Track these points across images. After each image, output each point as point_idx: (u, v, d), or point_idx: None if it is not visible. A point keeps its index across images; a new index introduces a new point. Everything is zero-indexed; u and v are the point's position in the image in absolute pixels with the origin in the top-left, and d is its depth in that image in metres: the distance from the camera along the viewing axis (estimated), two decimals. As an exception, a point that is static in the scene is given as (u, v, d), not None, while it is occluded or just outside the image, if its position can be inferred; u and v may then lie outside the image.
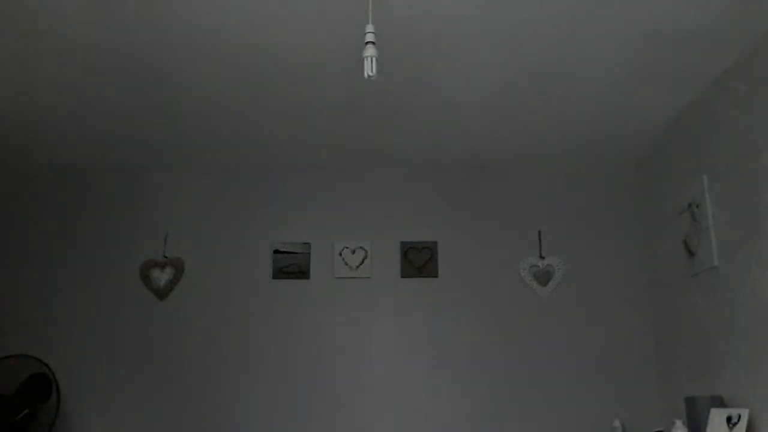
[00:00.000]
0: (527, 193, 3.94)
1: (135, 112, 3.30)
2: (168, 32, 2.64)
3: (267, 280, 3.80)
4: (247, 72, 2.95)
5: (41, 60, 2.83)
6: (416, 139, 3.64)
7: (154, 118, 3.37)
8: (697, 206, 3.14)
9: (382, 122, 3.43)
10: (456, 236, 3.86)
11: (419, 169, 3.97)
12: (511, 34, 2.67)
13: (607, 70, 2.95)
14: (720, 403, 2.83)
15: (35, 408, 3.24)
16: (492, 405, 3.60)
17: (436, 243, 3.84)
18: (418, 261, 3.82)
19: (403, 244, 3.84)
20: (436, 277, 3.79)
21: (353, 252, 3.82)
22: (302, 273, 3.80)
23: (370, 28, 1.93)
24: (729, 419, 2.64)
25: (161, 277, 3.79)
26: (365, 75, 1.90)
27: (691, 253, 3.21)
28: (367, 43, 1.91)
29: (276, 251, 3.83)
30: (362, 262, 3.81)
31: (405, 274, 3.80)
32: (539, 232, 3.87)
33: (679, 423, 2.93)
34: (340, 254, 3.82)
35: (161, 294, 3.77)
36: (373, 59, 1.90)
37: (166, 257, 3.83)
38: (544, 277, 3.78)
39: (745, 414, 2.59)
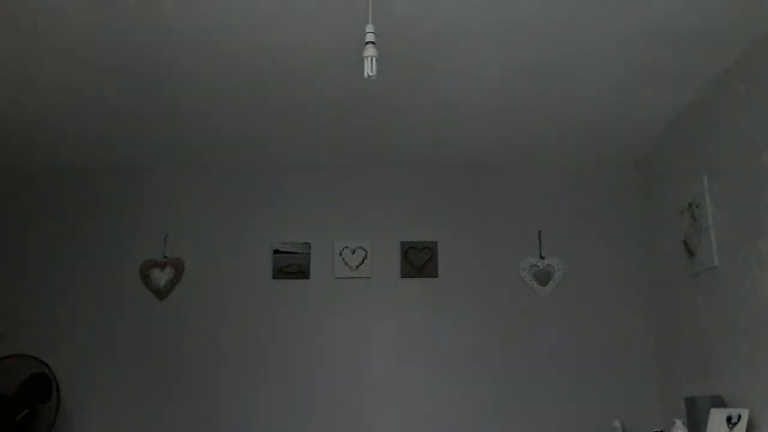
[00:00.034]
0: (527, 193, 3.94)
1: (135, 112, 3.31)
2: (168, 32, 2.64)
3: (267, 280, 3.80)
4: (247, 72, 2.95)
5: (41, 60, 2.83)
6: (416, 139, 3.64)
7: (154, 118, 3.38)
8: (697, 206, 3.14)
9: (382, 122, 3.43)
10: (456, 236, 3.86)
11: (419, 169, 3.97)
12: (511, 34, 2.67)
13: (607, 70, 2.95)
14: (720, 403, 2.83)
15: (35, 408, 3.24)
16: (492, 405, 3.60)
17: (436, 243, 3.84)
18: (418, 261, 3.82)
19: (403, 244, 3.84)
20: (436, 277, 3.79)
21: (353, 252, 3.82)
22: (302, 273, 3.80)
23: (370, 28, 1.93)
24: (729, 419, 2.64)
25: (161, 277, 3.79)
26: (365, 75, 1.90)
27: (691, 253, 3.21)
28: (367, 43, 1.91)
29: (276, 251, 3.83)
30: (362, 262, 3.81)
31: (405, 274, 3.80)
32: (539, 232, 3.87)
33: (679, 423, 2.93)
34: (340, 254, 3.82)
35: (161, 294, 3.77)
36: (373, 59, 1.90)
37: (166, 257, 3.83)
38: (544, 277, 3.79)
39: (745, 414, 2.59)
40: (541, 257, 3.82)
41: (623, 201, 3.92)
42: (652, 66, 2.92)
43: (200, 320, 3.73)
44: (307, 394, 3.62)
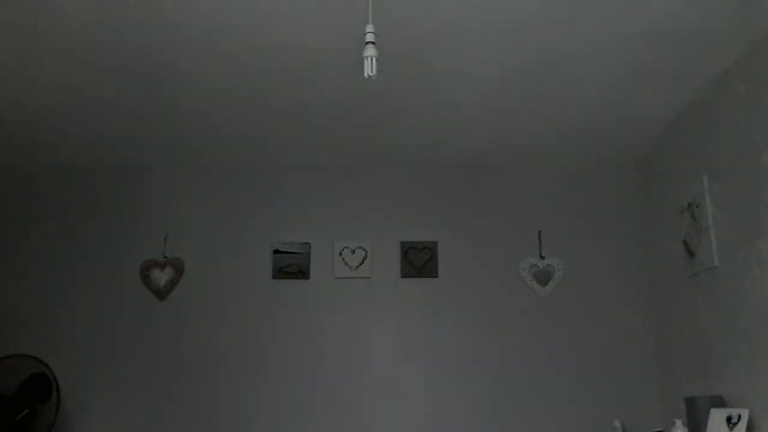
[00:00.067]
0: (527, 193, 3.94)
1: (135, 112, 3.31)
2: (168, 32, 2.64)
3: (267, 280, 3.80)
4: (247, 72, 2.95)
5: (41, 60, 2.83)
6: (416, 139, 3.64)
7: (154, 118, 3.38)
8: (697, 206, 3.14)
9: (382, 122, 3.43)
10: (456, 236, 3.86)
11: (419, 169, 3.97)
12: (511, 34, 2.67)
13: (607, 70, 2.95)
14: (720, 403, 2.83)
15: (35, 408, 3.24)
16: (492, 405, 3.60)
17: (436, 243, 3.84)
18: (418, 261, 3.82)
19: (403, 244, 3.84)
20: (436, 277, 3.79)
21: (353, 252, 3.82)
22: (302, 273, 3.80)
23: (370, 28, 1.93)
24: (729, 419, 2.64)
25: (161, 277, 3.79)
26: (365, 75, 1.90)
27: (691, 253, 3.21)
28: (367, 43, 1.91)
29: (276, 251, 3.83)
30: (362, 262, 3.81)
31: (405, 274, 3.80)
32: (539, 232, 3.87)
33: (679, 423, 2.93)
34: (340, 254, 3.82)
35: (161, 294, 3.77)
36: (373, 59, 1.90)
37: (166, 257, 3.83)
38: (544, 277, 3.79)
39: (745, 414, 2.59)
40: (541, 257, 3.82)
41: (623, 201, 3.92)
42: (652, 66, 2.92)
43: (200, 320, 3.73)
44: (307, 394, 3.62)
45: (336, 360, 3.67)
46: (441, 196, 3.93)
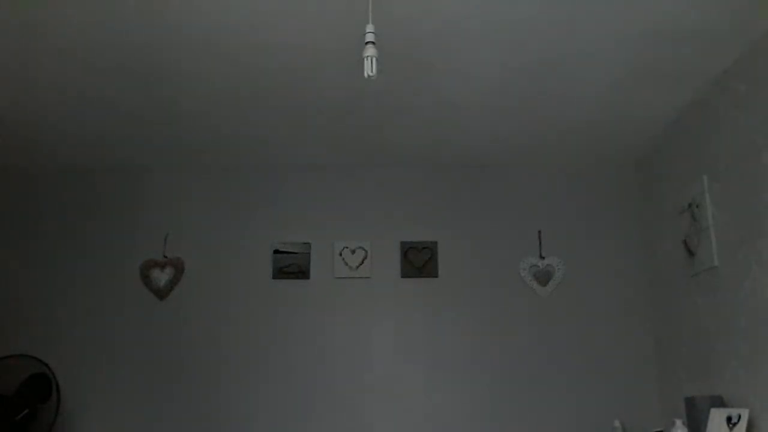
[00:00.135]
0: (527, 193, 3.94)
1: (135, 112, 3.30)
2: (168, 32, 2.64)
3: (267, 280, 3.80)
4: (247, 72, 2.95)
5: (41, 60, 2.83)
6: (416, 139, 3.64)
7: (154, 118, 3.37)
8: (697, 206, 3.14)
9: (382, 122, 3.43)
10: (456, 236, 3.86)
11: (419, 169, 3.97)
12: (511, 34, 2.67)
13: (607, 70, 2.95)
14: (720, 403, 2.83)
15: (35, 408, 3.24)
16: (492, 405, 3.60)
17: (436, 243, 3.84)
18: (418, 261, 3.82)
19: (403, 244, 3.84)
20: (436, 277, 3.79)
21: (353, 252, 3.82)
22: (302, 273, 3.80)
23: (370, 28, 1.93)
24: (729, 419, 2.64)
25: (161, 277, 3.79)
26: (365, 75, 1.90)
27: (691, 253, 3.21)
28: (367, 43, 1.91)
29: (276, 251, 3.83)
30: (362, 262, 3.81)
31: (405, 274, 3.80)
32: (539, 232, 3.87)
33: (679, 423, 2.93)
34: (340, 254, 3.82)
35: (161, 294, 3.77)
36: (373, 59, 1.90)
37: (166, 257, 3.83)
38: (544, 277, 3.78)
39: (745, 414, 2.59)
40: (541, 257, 3.82)
41: (623, 201, 3.92)
42: (652, 66, 2.92)
43: (200, 320, 3.73)
44: (307, 394, 3.62)
45: (336, 360, 3.67)
46: (441, 196, 3.93)
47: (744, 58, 2.78)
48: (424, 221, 3.88)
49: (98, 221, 3.89)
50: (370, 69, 1.89)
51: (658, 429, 3.34)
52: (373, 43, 1.91)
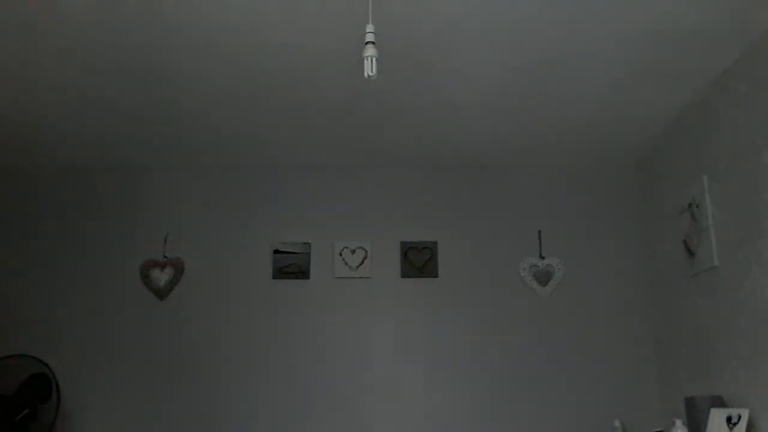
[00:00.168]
0: (527, 193, 3.94)
1: (135, 112, 3.31)
2: (168, 32, 2.64)
3: (267, 280, 3.80)
4: (247, 72, 2.95)
5: (41, 60, 2.83)
6: (416, 139, 3.64)
7: (154, 118, 3.37)
8: (697, 206, 3.14)
9: (382, 122, 3.43)
10: (456, 236, 3.86)
11: (419, 169, 3.97)
12: (511, 34, 2.67)
13: (607, 70, 2.95)
14: (720, 403, 2.83)
15: (35, 408, 3.24)
16: (492, 405, 3.60)
17: (436, 243, 3.84)
18: (418, 261, 3.82)
19: (403, 244, 3.84)
20: (436, 277, 3.79)
21: (353, 252, 3.82)
22: (302, 273, 3.80)
23: (370, 28, 1.93)
24: (729, 419, 2.64)
25: (161, 277, 3.79)
26: (365, 75, 1.90)
27: (691, 253, 3.21)
28: (367, 43, 1.91)
29: (276, 251, 3.83)
30: (362, 262, 3.81)
31: (405, 274, 3.80)
32: (539, 232, 3.87)
33: (679, 423, 2.93)
34: (340, 254, 3.82)
35: (161, 294, 3.77)
36: (373, 59, 1.90)
37: (166, 257, 3.83)
38: (544, 277, 3.78)
39: (745, 414, 2.59)
40: (541, 257, 3.82)
41: (623, 201, 3.92)
42: (652, 66, 2.92)
43: (200, 320, 3.73)
44: (307, 394, 3.62)
45: (336, 360, 3.67)
46: (441, 196, 3.93)
47: (744, 58, 2.78)
48: (424, 221, 3.88)
49: (98, 221, 3.89)
50: (370, 69, 1.89)
51: (658, 429, 3.34)
52: (373, 43, 1.91)
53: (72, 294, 3.77)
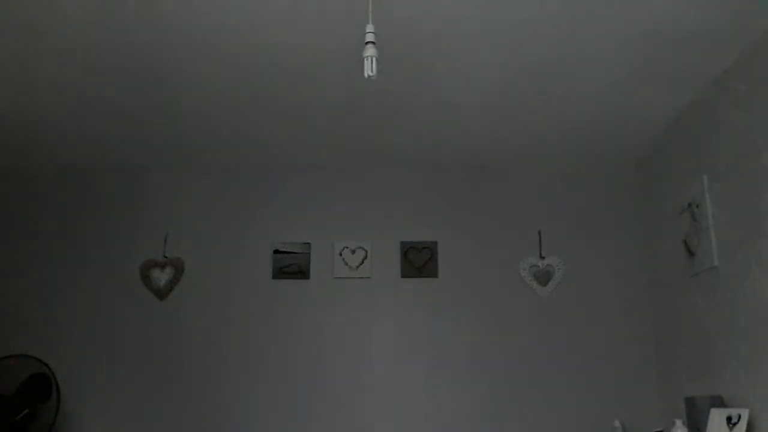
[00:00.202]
0: (527, 193, 3.94)
1: (135, 112, 3.31)
2: (168, 32, 2.64)
3: (267, 280, 3.80)
4: (247, 72, 2.95)
5: (41, 60, 2.83)
6: (416, 139, 3.64)
7: (154, 118, 3.38)
8: (697, 206, 3.14)
9: (382, 122, 3.43)
10: (456, 236, 3.86)
11: (419, 169, 3.97)
12: (511, 34, 2.67)
13: (607, 70, 2.95)
14: (720, 403, 2.83)
15: (35, 408, 3.24)
16: (492, 405, 3.60)
17: (436, 243, 3.84)
18: (418, 261, 3.82)
19: (403, 244, 3.84)
20: (436, 277, 3.79)
21: (353, 252, 3.82)
22: (302, 273, 3.80)
23: (370, 28, 1.93)
24: (729, 419, 2.64)
25: (161, 277, 3.79)
26: (365, 75, 1.90)
27: (691, 253, 3.21)
28: (367, 43, 1.91)
29: (276, 251, 3.83)
30: (362, 262, 3.81)
31: (405, 274, 3.80)
32: (539, 232, 3.87)
33: (679, 423, 2.93)
34: (340, 254, 3.82)
35: (161, 294, 3.77)
36: (373, 59, 1.90)
37: (166, 257, 3.83)
38: (544, 277, 3.78)
39: (745, 414, 2.59)
40: (541, 257, 3.82)
41: (623, 201, 3.92)
42: (652, 66, 2.92)
43: (200, 320, 3.73)
44: (307, 394, 3.62)
45: (336, 360, 3.67)
46: (441, 196, 3.93)
47: (744, 58, 2.78)
48: (424, 221, 3.88)
49: (98, 221, 3.89)
50: (370, 69, 1.89)
51: (658, 429, 3.34)
52: (373, 43, 1.91)
53: (72, 294, 3.77)
